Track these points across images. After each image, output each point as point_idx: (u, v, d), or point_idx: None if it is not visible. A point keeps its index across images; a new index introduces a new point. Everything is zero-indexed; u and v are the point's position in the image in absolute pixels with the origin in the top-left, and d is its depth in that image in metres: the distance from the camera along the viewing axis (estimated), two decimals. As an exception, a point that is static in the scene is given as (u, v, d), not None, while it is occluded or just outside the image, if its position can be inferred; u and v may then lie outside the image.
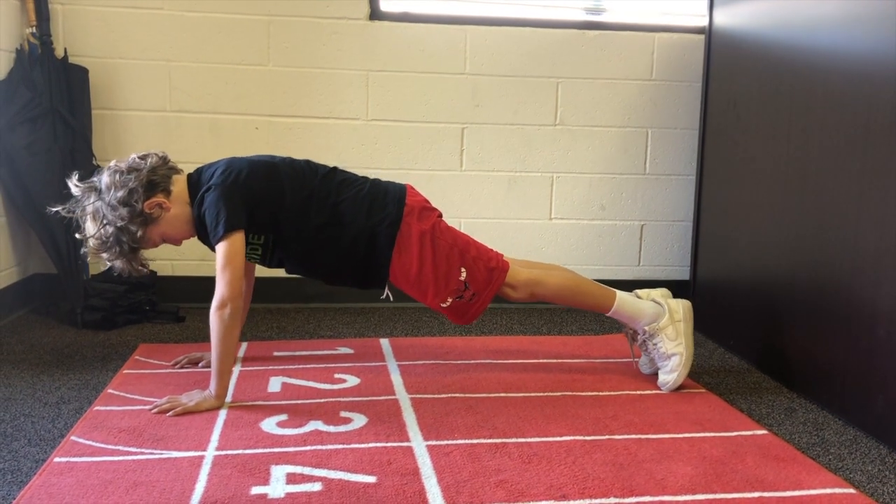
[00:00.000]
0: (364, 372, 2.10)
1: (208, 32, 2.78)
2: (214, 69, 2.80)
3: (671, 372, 1.99)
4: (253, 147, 2.83)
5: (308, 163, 2.01)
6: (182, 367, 2.09)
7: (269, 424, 1.71)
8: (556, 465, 1.53)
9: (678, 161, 3.03)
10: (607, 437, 1.69)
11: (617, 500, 1.40)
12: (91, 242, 1.84)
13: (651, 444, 1.66)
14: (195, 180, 1.91)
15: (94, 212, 1.83)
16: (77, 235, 1.89)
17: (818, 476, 1.52)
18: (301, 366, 2.15)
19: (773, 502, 1.41)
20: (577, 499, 1.40)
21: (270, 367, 2.12)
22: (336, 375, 2.07)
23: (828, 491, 1.46)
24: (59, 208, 1.89)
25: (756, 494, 1.43)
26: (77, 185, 1.86)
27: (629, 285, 2.22)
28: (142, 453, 1.55)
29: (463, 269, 1.94)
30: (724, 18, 2.55)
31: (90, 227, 1.84)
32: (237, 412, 1.78)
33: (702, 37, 2.81)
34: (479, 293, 1.96)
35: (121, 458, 1.53)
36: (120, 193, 1.80)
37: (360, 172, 2.90)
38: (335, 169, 2.02)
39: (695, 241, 2.74)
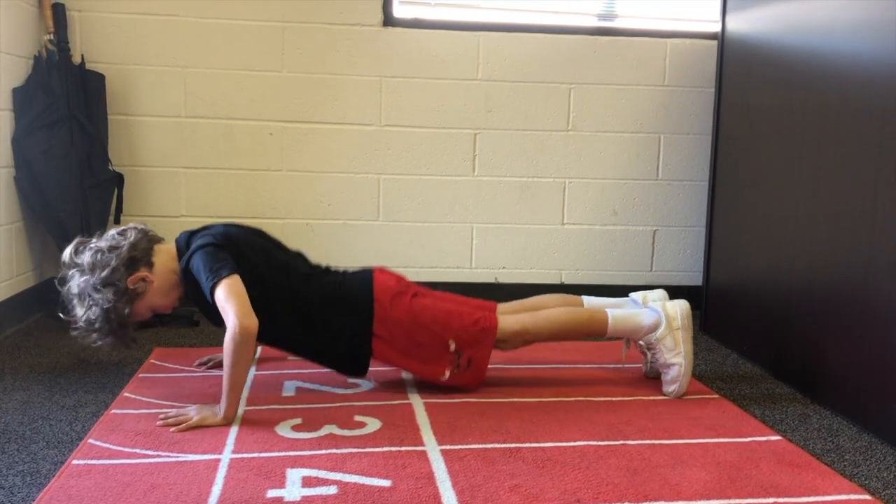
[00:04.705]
0: (377, 376, 2.11)
1: (223, 39, 2.80)
2: (229, 75, 2.82)
3: (672, 382, 1.99)
4: (267, 153, 2.86)
5: (294, 259, 1.97)
6: (210, 369, 2.12)
7: (285, 428, 1.72)
8: (570, 470, 1.53)
9: (691, 166, 3.03)
10: (621, 442, 1.69)
11: (631, 505, 1.40)
12: (80, 325, 1.83)
13: (665, 449, 1.66)
14: (184, 242, 1.90)
15: (80, 293, 1.82)
16: (61, 315, 1.86)
17: (833, 482, 1.52)
18: (315, 370, 2.15)
19: (787, 508, 1.41)
20: (592, 504, 1.40)
21: (285, 371, 2.14)
22: (350, 380, 2.07)
23: (843, 497, 1.45)
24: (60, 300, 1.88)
25: (771, 500, 1.43)
26: (66, 260, 1.85)
27: (641, 291, 2.23)
28: (158, 456, 1.56)
29: (451, 342, 1.91)
30: (737, 24, 2.56)
31: (79, 310, 1.83)
32: (252, 416, 1.80)
33: (714, 42, 2.81)
34: (475, 357, 1.92)
35: (138, 460, 1.54)
36: (103, 274, 1.80)
37: (373, 178, 2.95)
38: (314, 268, 1.96)
39: (707, 246, 2.74)
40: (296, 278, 1.92)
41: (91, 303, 1.80)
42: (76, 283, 1.83)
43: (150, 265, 1.86)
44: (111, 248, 1.82)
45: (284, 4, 2.81)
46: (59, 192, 2.56)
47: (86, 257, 1.83)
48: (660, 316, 2.00)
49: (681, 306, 2.01)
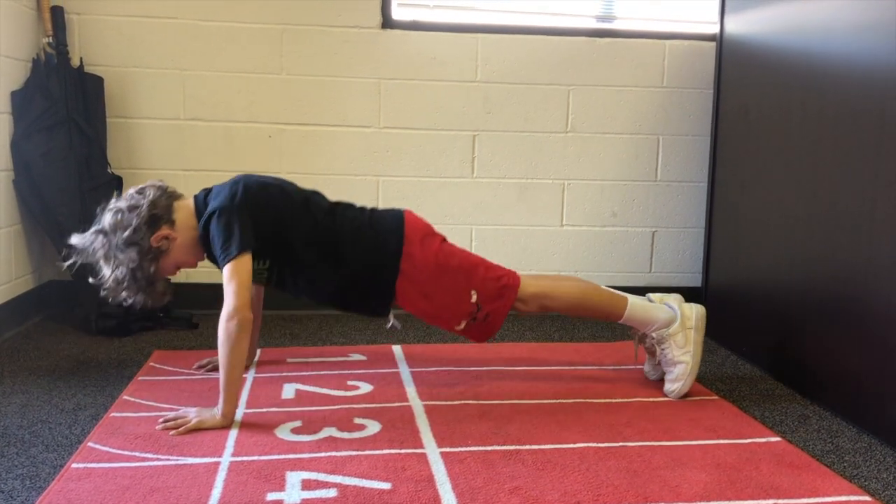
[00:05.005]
0: (377, 379, 2.11)
1: (222, 41, 2.80)
2: (228, 78, 2.82)
3: (676, 381, 1.99)
4: (266, 155, 2.86)
5: (315, 195, 1.99)
6: (209, 371, 2.12)
7: (284, 431, 1.72)
8: (569, 472, 1.53)
9: (689, 168, 3.03)
10: (621, 443, 1.69)
11: (631, 507, 1.40)
12: (108, 285, 1.83)
13: (665, 450, 1.66)
14: (202, 200, 1.89)
15: (105, 255, 1.82)
16: (91, 280, 1.86)
17: (833, 483, 1.52)
18: (314, 372, 2.16)
19: (787, 510, 1.41)
20: (592, 506, 1.40)
21: (284, 374, 2.14)
22: (349, 382, 2.08)
23: (843, 498, 1.45)
24: (73, 259, 1.86)
25: (770, 501, 1.43)
26: (81, 237, 1.85)
27: (641, 292, 2.21)
28: (158, 459, 1.56)
29: (473, 292, 1.93)
30: (735, 25, 2.56)
31: (106, 271, 1.83)
32: (252, 419, 1.79)
33: (713, 44, 2.82)
34: (493, 312, 1.95)
35: (137, 464, 1.54)
36: (126, 234, 1.79)
37: (372, 180, 2.95)
38: (338, 204, 2.00)
39: (706, 247, 2.74)
40: (319, 212, 1.94)
41: (117, 263, 1.81)
42: (100, 244, 1.83)
43: (171, 222, 1.85)
44: (131, 208, 1.82)
45: (283, 7, 2.81)
46: (57, 196, 2.56)
47: (107, 219, 1.83)
48: (676, 312, 2.01)
49: (697, 309, 2.03)
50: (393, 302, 1.97)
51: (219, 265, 1.82)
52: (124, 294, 1.84)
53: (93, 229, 1.85)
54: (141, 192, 1.86)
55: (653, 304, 2.05)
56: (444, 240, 2.00)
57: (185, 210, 1.88)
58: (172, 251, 1.86)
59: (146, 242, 1.81)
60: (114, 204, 1.85)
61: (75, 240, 1.86)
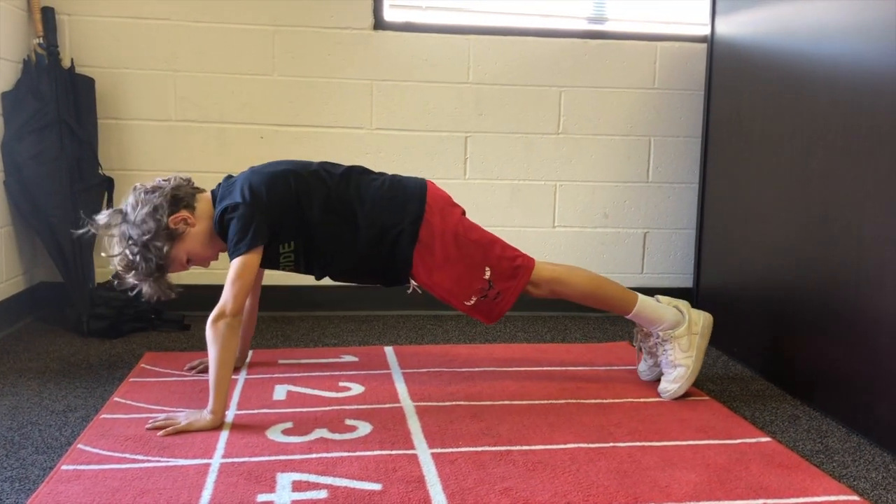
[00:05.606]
0: (368, 380, 2.11)
1: (214, 42, 2.80)
2: (220, 79, 2.82)
3: (674, 382, 1.99)
4: (258, 157, 2.84)
5: (324, 164, 2.01)
6: (200, 373, 2.12)
7: (275, 432, 1.72)
8: (560, 473, 1.54)
9: (681, 169, 3.04)
10: (611, 444, 1.69)
11: (621, 508, 1.40)
12: (117, 261, 1.85)
13: (655, 451, 1.66)
14: (217, 195, 1.92)
15: (120, 234, 1.84)
16: (102, 254, 1.90)
17: (822, 483, 1.52)
18: (306, 374, 2.16)
19: (776, 509, 1.41)
20: (582, 506, 1.40)
21: (275, 375, 2.13)
22: (341, 383, 2.08)
23: (832, 498, 1.46)
24: (85, 230, 1.89)
25: (760, 502, 1.44)
26: (100, 214, 1.88)
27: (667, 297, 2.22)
28: (148, 461, 1.56)
29: (487, 268, 1.94)
30: (727, 27, 2.57)
31: (116, 248, 1.85)
32: (243, 420, 1.79)
33: (704, 45, 2.83)
34: (504, 292, 1.96)
35: (128, 465, 1.54)
36: (145, 209, 1.82)
37: (364, 181, 2.93)
38: (352, 168, 2.02)
39: (698, 248, 2.75)
40: (331, 179, 1.95)
41: (131, 242, 1.82)
42: (116, 222, 1.85)
43: (192, 208, 1.89)
44: (154, 188, 1.86)
45: (275, 8, 2.81)
46: (48, 197, 2.55)
47: (129, 198, 1.86)
48: (683, 316, 2.02)
49: (705, 316, 2.04)
50: (411, 270, 1.96)
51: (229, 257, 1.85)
52: (132, 279, 1.85)
53: (113, 208, 1.89)
54: (166, 179, 1.90)
55: (661, 304, 2.06)
56: (463, 212, 2.02)
57: (205, 202, 1.92)
58: (188, 238, 1.87)
59: (164, 220, 1.83)
60: (139, 185, 1.89)
61: (95, 216, 1.88)
